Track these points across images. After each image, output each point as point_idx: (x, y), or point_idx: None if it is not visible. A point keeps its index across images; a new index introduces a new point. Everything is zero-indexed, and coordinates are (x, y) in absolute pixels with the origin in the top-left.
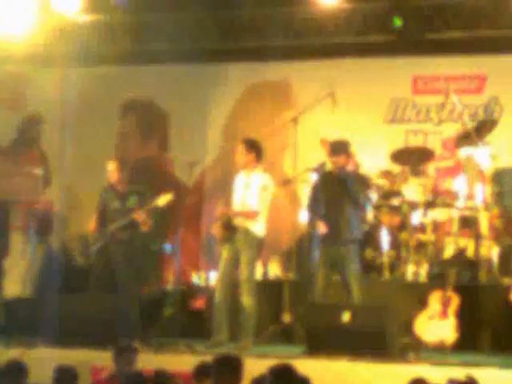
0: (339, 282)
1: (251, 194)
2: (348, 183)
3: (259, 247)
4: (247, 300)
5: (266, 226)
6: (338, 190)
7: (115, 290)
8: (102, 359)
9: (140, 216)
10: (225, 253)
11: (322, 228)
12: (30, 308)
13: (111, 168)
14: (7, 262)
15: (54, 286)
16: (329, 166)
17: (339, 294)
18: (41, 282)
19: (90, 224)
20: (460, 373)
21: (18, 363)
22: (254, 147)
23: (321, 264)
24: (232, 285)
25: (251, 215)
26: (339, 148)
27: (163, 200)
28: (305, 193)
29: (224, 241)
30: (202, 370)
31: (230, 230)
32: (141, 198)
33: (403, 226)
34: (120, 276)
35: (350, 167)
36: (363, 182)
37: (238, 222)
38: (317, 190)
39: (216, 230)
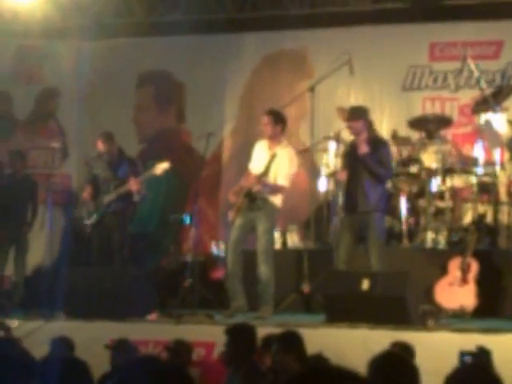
0: (359, 250)
1: (278, 168)
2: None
3: (276, 217)
4: (264, 270)
5: (283, 198)
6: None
7: (115, 263)
8: (119, 331)
9: (135, 185)
10: (238, 220)
11: (341, 175)
12: (49, 280)
13: (98, 142)
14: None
15: (73, 259)
16: (344, 134)
17: (359, 261)
18: (60, 254)
19: (84, 194)
20: (480, 339)
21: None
22: (281, 119)
23: (343, 232)
24: (245, 252)
25: (279, 189)
26: (355, 113)
27: (160, 168)
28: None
29: (241, 208)
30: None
31: (249, 198)
32: (132, 167)
33: (422, 193)
34: (116, 247)
35: (363, 134)
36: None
37: (258, 191)
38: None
39: (233, 196)
